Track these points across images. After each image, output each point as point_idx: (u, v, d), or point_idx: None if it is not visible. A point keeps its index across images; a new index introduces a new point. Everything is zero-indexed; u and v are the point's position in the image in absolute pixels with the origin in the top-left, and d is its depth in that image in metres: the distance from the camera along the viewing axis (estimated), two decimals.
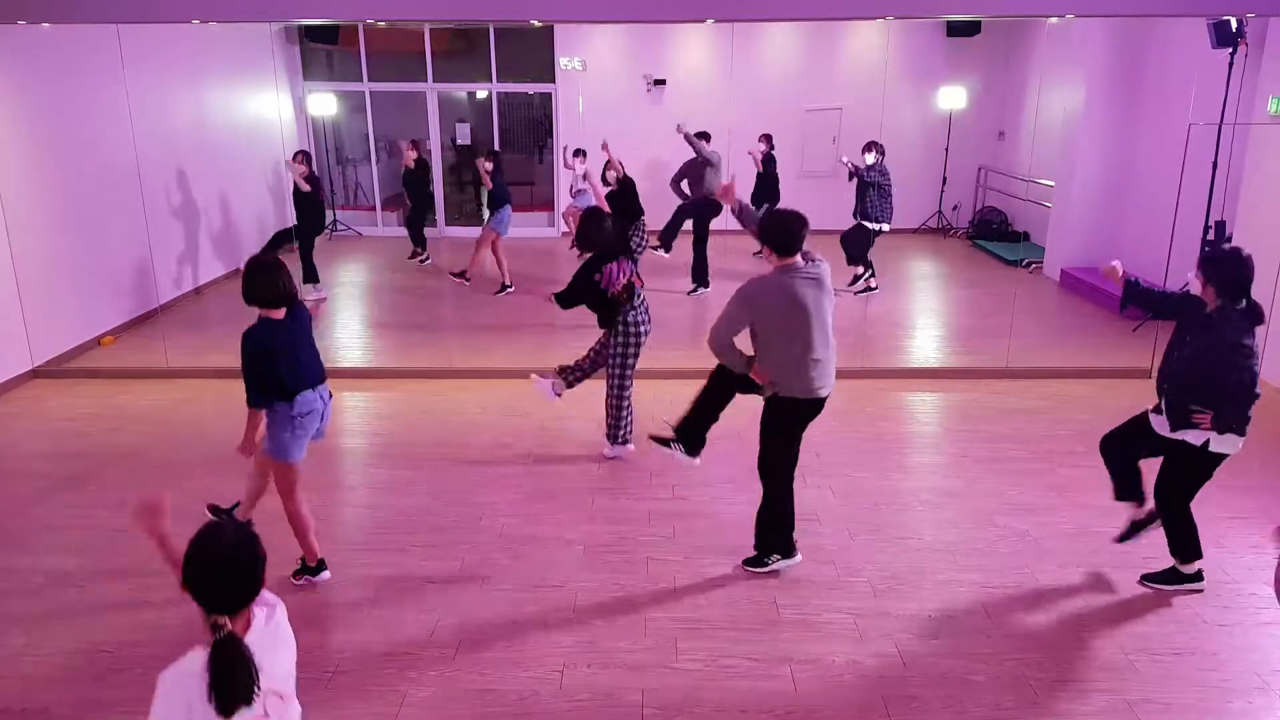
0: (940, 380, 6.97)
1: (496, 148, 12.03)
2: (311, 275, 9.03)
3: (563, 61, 12.09)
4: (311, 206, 8.87)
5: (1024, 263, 10.67)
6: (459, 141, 12.98)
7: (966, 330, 8.47)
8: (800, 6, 6.45)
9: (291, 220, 9.10)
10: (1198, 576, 4.03)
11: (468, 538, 4.49)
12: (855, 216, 9.20)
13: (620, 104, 12.30)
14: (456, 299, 9.57)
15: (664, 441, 4.40)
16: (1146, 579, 4.09)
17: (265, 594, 2.05)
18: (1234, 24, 6.66)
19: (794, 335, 3.85)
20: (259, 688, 1.89)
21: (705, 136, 9.36)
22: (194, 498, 4.93)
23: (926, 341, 8.22)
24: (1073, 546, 4.41)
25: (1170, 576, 4.05)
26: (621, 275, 5.11)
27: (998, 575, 4.16)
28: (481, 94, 12.79)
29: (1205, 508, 4.74)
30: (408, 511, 4.76)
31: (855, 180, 9.17)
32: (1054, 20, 9.41)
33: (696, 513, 4.75)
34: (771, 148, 10.74)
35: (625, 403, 5.36)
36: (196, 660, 1.87)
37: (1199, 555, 4.01)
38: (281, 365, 3.69)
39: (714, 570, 4.21)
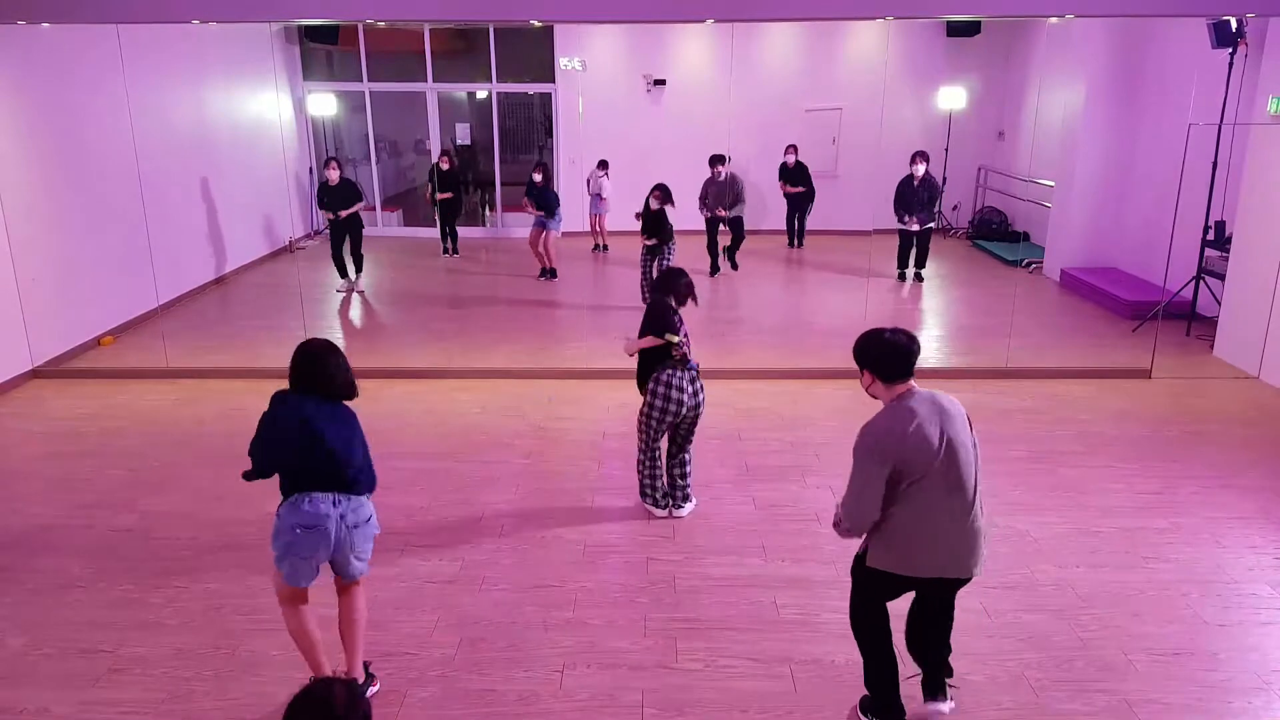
0: (940, 380, 6.96)
1: (498, 149, 12.09)
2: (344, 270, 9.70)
3: (563, 61, 12.10)
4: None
5: (1024, 263, 10.67)
6: (459, 141, 12.98)
7: (966, 330, 8.47)
8: (800, 6, 6.45)
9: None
10: None
11: (468, 538, 4.49)
12: (921, 224, 9.94)
13: (620, 104, 12.32)
14: (456, 299, 9.57)
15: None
16: None
17: None
18: (1234, 24, 6.67)
19: (911, 486, 2.86)
20: None
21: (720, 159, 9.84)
22: (193, 498, 4.94)
23: (926, 341, 8.21)
24: (1073, 546, 4.41)
25: None
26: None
27: (998, 575, 4.16)
28: (481, 94, 12.79)
29: (1205, 508, 4.78)
30: (408, 511, 4.76)
31: (905, 191, 9.88)
32: (1054, 20, 9.41)
33: (697, 513, 4.75)
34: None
35: (650, 462, 4.68)
36: None
37: None
38: (279, 450, 3.08)
39: (714, 570, 4.20)
